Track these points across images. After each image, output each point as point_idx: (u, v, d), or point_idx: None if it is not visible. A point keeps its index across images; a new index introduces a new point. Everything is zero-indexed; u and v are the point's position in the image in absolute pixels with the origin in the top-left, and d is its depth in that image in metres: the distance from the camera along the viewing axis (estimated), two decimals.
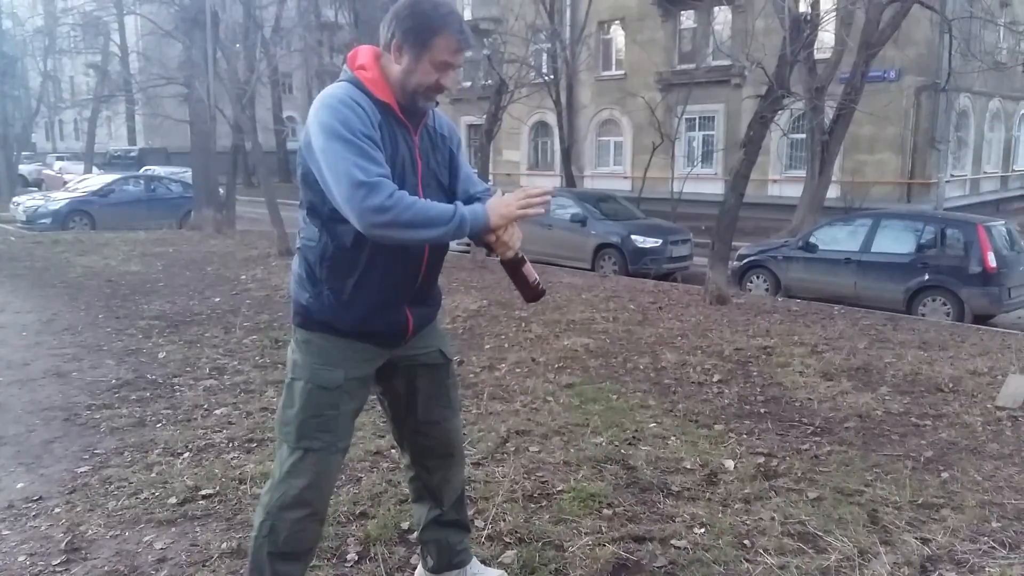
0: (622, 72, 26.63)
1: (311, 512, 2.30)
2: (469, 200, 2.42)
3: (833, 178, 16.35)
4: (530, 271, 2.36)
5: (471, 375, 5.69)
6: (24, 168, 32.15)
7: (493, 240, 2.25)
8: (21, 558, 3.04)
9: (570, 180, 21.78)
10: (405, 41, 2.16)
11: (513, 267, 2.34)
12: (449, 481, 2.63)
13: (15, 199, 20.01)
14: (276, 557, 2.29)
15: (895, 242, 10.07)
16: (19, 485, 3.73)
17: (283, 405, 2.31)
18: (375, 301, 2.26)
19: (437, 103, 2.31)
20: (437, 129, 2.39)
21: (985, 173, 25.13)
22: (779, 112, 10.42)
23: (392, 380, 2.49)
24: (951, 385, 5.69)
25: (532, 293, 2.40)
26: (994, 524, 3.39)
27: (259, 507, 2.34)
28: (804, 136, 16.99)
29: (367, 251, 2.20)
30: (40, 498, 3.58)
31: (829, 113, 14.94)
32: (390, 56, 2.21)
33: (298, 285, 2.32)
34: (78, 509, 3.45)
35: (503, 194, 2.30)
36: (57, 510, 3.45)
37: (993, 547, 3.17)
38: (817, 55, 14.80)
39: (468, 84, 27.07)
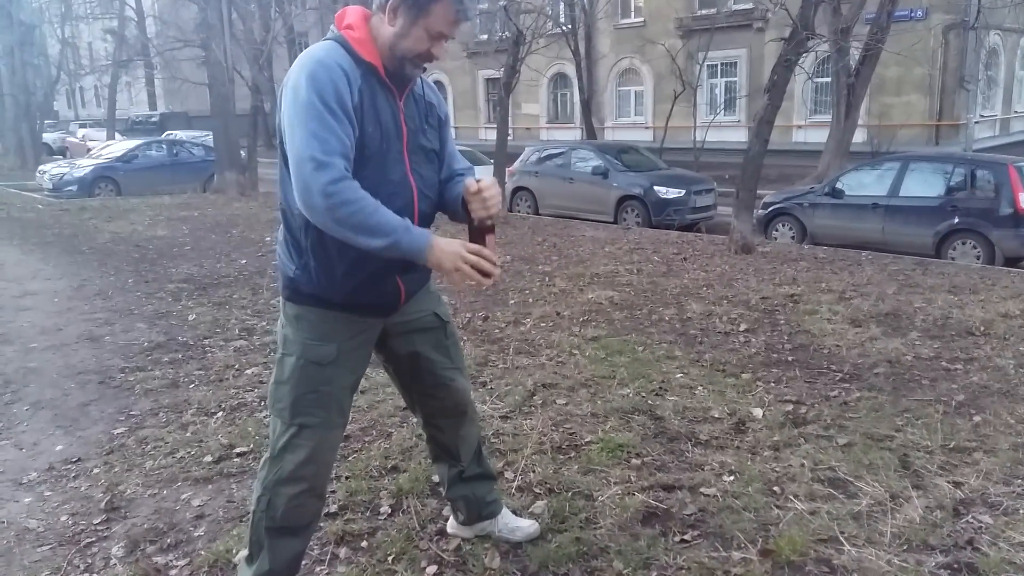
0: (641, 19, 26.16)
1: (308, 488, 2.27)
2: (450, 177, 2.33)
3: (859, 122, 16.05)
4: (492, 244, 2.16)
5: (496, 330, 5.71)
6: (48, 136, 32.36)
7: (474, 191, 2.13)
8: (64, 518, 3.12)
9: (590, 132, 21.54)
10: (403, 2, 2.06)
11: (480, 233, 2.18)
12: (464, 438, 2.64)
13: (41, 167, 20.14)
14: (275, 532, 2.29)
15: (924, 185, 9.87)
16: (58, 447, 3.82)
17: (275, 380, 2.25)
18: (364, 271, 2.16)
19: (424, 69, 2.18)
20: (425, 97, 2.28)
21: (1016, 113, 24.55)
22: (803, 55, 10.19)
23: (391, 348, 2.43)
24: (982, 328, 5.62)
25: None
26: None
27: (256, 482, 2.32)
28: (829, 79, 16.66)
29: None
30: (79, 460, 3.67)
31: (855, 55, 14.59)
32: (382, 17, 2.09)
33: (284, 255, 2.23)
34: (116, 469, 3.53)
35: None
36: (96, 471, 3.53)
37: None
38: None
39: (485, 37, 26.74)
